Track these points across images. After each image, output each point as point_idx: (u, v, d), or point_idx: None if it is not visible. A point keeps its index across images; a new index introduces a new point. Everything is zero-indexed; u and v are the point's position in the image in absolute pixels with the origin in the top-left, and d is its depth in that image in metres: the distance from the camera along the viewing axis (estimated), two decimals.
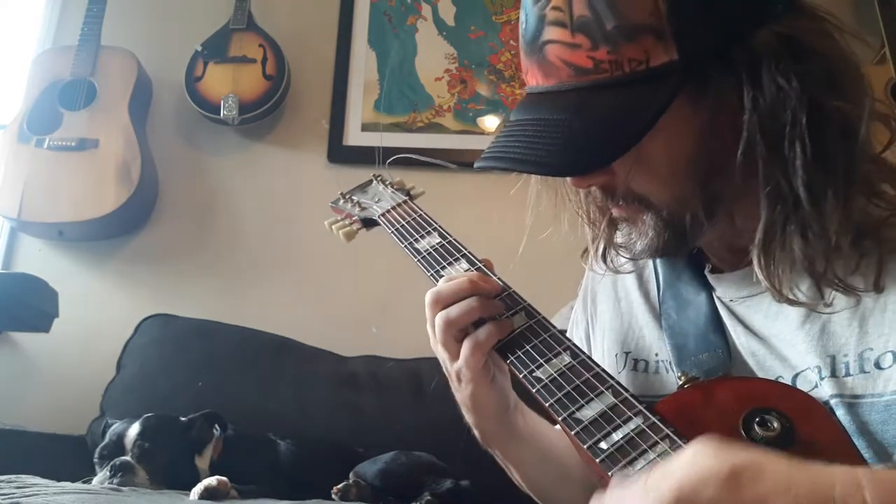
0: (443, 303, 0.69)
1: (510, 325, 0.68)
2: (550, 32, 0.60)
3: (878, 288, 0.60)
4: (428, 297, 0.70)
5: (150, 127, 2.22)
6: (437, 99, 2.24)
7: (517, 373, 0.65)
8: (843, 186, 0.58)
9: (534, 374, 0.63)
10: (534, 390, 0.62)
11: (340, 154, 2.18)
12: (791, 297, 0.61)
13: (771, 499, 0.41)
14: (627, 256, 0.77)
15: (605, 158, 0.60)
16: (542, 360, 0.64)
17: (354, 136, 2.20)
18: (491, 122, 2.22)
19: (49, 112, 2.06)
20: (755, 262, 0.61)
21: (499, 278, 0.73)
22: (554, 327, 0.68)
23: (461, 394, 0.73)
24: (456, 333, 0.68)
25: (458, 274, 0.73)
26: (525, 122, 0.64)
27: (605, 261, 0.79)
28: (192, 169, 2.22)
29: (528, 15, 0.63)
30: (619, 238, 0.75)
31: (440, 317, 0.68)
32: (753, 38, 0.57)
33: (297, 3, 2.35)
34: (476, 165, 0.66)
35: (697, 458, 0.44)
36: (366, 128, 2.21)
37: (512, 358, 0.66)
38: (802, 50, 0.57)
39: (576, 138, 0.59)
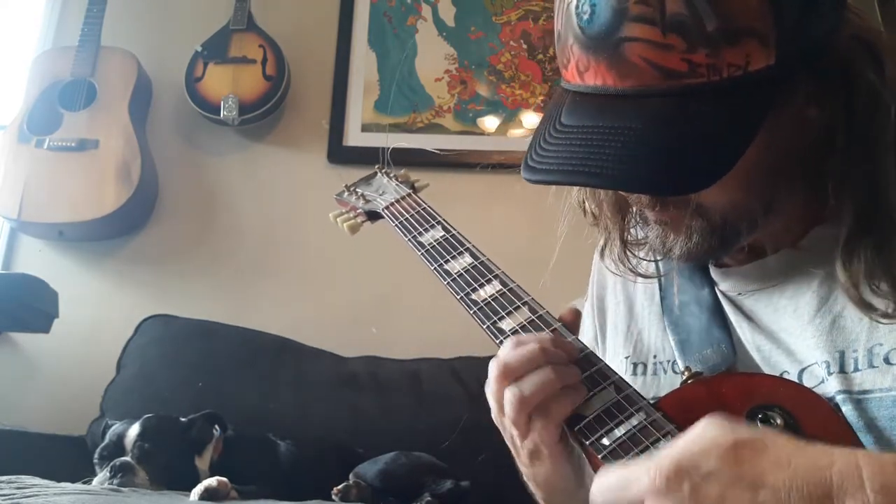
0: (513, 376, 0.59)
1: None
2: (633, 29, 0.54)
3: None
4: (494, 368, 0.60)
5: (150, 127, 2.22)
6: (437, 99, 2.24)
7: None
8: None
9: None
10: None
11: (340, 154, 2.18)
12: (873, 303, 0.58)
13: (769, 473, 0.41)
14: (645, 257, 0.75)
15: (711, 177, 0.55)
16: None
17: (354, 137, 2.20)
18: (491, 123, 2.22)
19: (49, 112, 2.06)
20: (839, 266, 0.59)
21: (576, 339, 0.65)
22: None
23: (533, 470, 0.65)
24: (530, 410, 0.59)
25: (527, 337, 0.63)
26: (600, 130, 0.57)
27: (622, 262, 0.76)
28: (192, 169, 2.22)
29: (596, 5, 0.56)
30: (638, 235, 0.74)
31: (511, 393, 0.59)
32: (838, 41, 0.56)
33: (297, 3, 2.35)
34: (537, 179, 0.59)
35: (703, 432, 0.45)
36: (366, 128, 2.21)
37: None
38: (877, 53, 0.57)
39: (677, 154, 0.55)
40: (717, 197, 0.60)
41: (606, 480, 0.46)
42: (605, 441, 0.55)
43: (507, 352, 0.61)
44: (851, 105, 0.56)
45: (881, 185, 0.57)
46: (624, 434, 0.55)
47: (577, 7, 0.58)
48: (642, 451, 0.53)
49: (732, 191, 0.60)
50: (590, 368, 0.62)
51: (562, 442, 0.61)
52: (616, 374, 0.61)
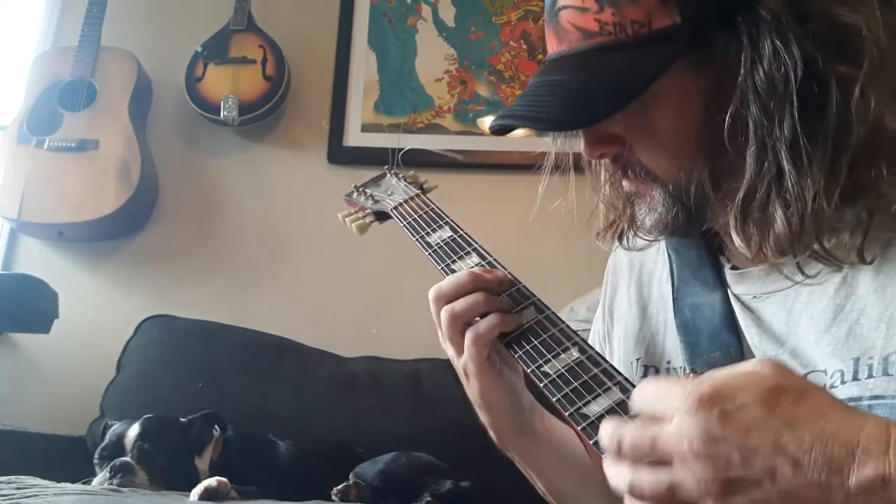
0: (445, 298, 0.69)
1: (518, 320, 0.67)
2: None
3: (861, 258, 0.59)
4: (431, 293, 0.70)
5: (150, 127, 2.22)
6: (437, 100, 2.24)
7: (525, 367, 0.65)
8: (832, 151, 0.57)
9: (541, 369, 0.63)
10: (541, 385, 0.62)
11: (340, 155, 2.18)
12: (767, 255, 0.61)
13: (800, 421, 0.42)
14: (641, 236, 0.76)
15: (600, 113, 0.62)
16: (550, 356, 0.64)
17: (354, 137, 2.20)
18: None
19: (49, 113, 2.06)
20: (731, 222, 0.62)
21: (508, 272, 0.72)
22: (563, 322, 0.67)
23: (471, 391, 0.73)
24: (461, 327, 0.68)
25: (460, 268, 0.73)
26: (534, 85, 0.67)
27: (620, 239, 0.78)
28: (192, 169, 2.22)
29: None
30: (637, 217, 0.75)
31: (445, 311, 0.69)
32: (760, 1, 0.57)
33: (297, 3, 2.35)
34: (490, 124, 0.70)
35: (754, 367, 0.46)
36: (366, 128, 2.21)
37: (520, 352, 0.66)
38: (807, 12, 0.57)
39: (576, 95, 0.62)
40: (662, 160, 0.65)
41: (649, 388, 0.49)
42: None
43: (443, 282, 0.70)
44: (754, 62, 0.58)
45: (772, 144, 0.58)
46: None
47: None
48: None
49: (675, 152, 0.64)
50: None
51: (489, 361, 0.70)
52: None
